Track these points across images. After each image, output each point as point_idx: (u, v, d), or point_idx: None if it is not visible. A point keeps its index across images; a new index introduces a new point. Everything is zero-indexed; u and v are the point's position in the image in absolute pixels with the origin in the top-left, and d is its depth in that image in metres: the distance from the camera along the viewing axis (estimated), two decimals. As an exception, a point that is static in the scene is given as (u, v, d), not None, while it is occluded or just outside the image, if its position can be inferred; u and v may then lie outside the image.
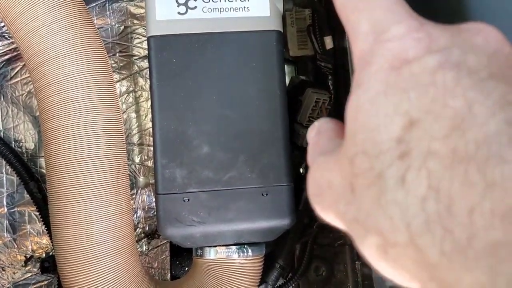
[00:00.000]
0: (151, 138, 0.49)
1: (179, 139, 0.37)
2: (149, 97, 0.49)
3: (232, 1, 0.39)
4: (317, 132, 0.22)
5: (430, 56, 0.16)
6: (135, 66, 0.50)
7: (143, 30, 0.50)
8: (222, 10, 0.39)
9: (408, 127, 0.15)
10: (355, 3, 0.19)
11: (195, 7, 0.38)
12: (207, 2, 0.39)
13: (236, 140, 0.38)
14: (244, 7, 0.39)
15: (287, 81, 0.51)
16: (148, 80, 0.50)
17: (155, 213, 0.47)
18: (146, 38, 0.50)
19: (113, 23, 0.50)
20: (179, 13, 0.38)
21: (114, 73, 0.48)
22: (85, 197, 0.35)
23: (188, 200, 0.37)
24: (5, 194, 0.48)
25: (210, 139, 0.37)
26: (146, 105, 0.49)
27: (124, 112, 0.49)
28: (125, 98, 0.49)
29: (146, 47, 0.50)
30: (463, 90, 0.15)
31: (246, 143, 0.38)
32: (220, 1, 0.39)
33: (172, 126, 0.37)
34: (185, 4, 0.38)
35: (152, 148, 0.49)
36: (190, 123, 0.38)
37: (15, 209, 0.48)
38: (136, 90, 0.49)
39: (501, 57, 0.16)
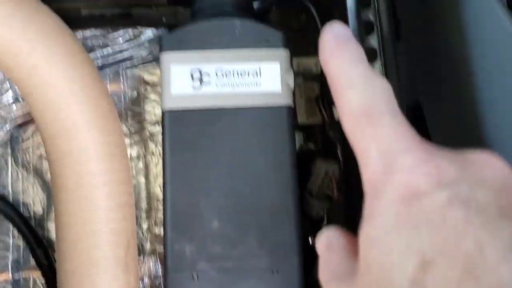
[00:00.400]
0: (160, 204, 0.49)
1: (190, 213, 0.37)
2: (159, 163, 0.50)
3: (244, 77, 0.40)
4: (328, 248, 0.22)
5: (439, 192, 0.16)
6: (147, 131, 0.50)
7: (155, 96, 0.51)
8: (235, 85, 0.40)
9: (422, 268, 0.15)
10: (362, 130, 0.19)
11: (209, 82, 0.39)
12: (220, 77, 0.39)
13: (247, 214, 0.38)
14: (256, 83, 0.40)
15: (296, 148, 0.51)
16: (159, 146, 0.50)
17: (161, 284, 0.47)
18: (158, 104, 0.51)
19: (126, 89, 0.51)
20: (193, 87, 0.39)
21: (125, 138, 0.49)
22: (95, 272, 0.35)
23: (198, 277, 0.36)
24: (10, 259, 0.47)
25: (220, 213, 0.37)
26: (156, 170, 0.50)
27: (133, 177, 0.49)
28: (135, 163, 0.50)
29: (158, 112, 0.51)
30: (473, 230, 0.15)
31: (256, 218, 0.38)
32: (233, 76, 0.40)
33: (183, 200, 0.38)
34: (200, 79, 0.39)
35: (159, 215, 0.49)
36: (201, 196, 0.38)
37: (20, 275, 0.47)
38: (147, 155, 0.50)
39: (510, 191, 0.17)
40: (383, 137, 0.19)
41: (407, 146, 0.18)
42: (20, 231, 0.46)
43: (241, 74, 0.40)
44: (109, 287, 0.35)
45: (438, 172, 0.17)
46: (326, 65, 0.23)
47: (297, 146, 0.51)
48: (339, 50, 0.23)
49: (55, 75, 0.37)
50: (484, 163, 0.17)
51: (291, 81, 0.41)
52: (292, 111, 0.40)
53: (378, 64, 0.34)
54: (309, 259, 0.47)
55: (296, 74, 0.41)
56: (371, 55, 0.34)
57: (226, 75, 0.40)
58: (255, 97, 0.40)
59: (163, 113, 0.39)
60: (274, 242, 0.37)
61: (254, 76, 0.40)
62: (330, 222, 0.44)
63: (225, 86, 0.39)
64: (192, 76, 0.39)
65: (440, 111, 0.51)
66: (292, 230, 0.38)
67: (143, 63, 0.51)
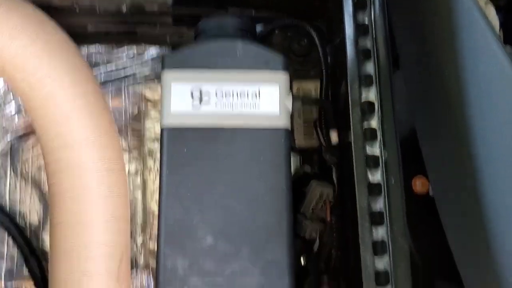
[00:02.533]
0: (155, 220, 0.49)
1: (183, 229, 0.38)
2: (157, 179, 0.50)
3: (244, 98, 0.41)
4: None
5: None
6: (146, 147, 0.51)
7: (155, 113, 0.52)
8: (234, 106, 0.40)
9: None
10: None
11: (209, 101, 0.40)
12: (220, 97, 0.40)
13: (241, 233, 0.38)
14: (255, 104, 0.41)
15: (292, 170, 0.52)
16: (157, 162, 0.51)
17: (154, 299, 0.47)
18: (158, 121, 0.52)
19: (128, 105, 0.52)
20: (193, 106, 0.40)
21: (124, 154, 0.50)
22: (85, 284, 0.35)
23: (189, 292, 0.37)
24: (3, 269, 0.48)
25: (214, 231, 0.38)
26: (153, 186, 0.50)
27: (130, 193, 0.49)
28: (133, 179, 0.50)
29: (157, 129, 0.52)
30: None
31: (250, 236, 0.38)
32: (232, 97, 0.40)
33: (177, 216, 0.38)
34: (199, 98, 0.40)
35: (154, 230, 0.49)
36: (196, 213, 0.38)
37: (13, 284, 0.47)
38: (145, 171, 0.51)
39: None
40: None
41: None
42: (15, 240, 0.46)
43: (240, 95, 0.41)
44: (100, 300, 0.36)
45: None
46: None
47: (294, 168, 0.52)
48: None
49: (59, 90, 0.38)
50: None
51: (289, 104, 0.41)
52: (289, 133, 0.41)
53: (373, 89, 0.35)
54: (300, 279, 0.47)
55: (296, 98, 0.42)
56: (367, 81, 0.35)
57: (225, 95, 0.40)
58: (253, 118, 0.40)
59: (162, 130, 0.40)
60: (266, 261, 0.37)
61: (253, 98, 0.41)
62: (322, 243, 0.45)
63: (224, 106, 0.40)
64: (192, 95, 0.40)
65: (435, 141, 0.52)
66: (284, 250, 0.38)
67: (145, 81, 0.52)
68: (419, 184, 0.61)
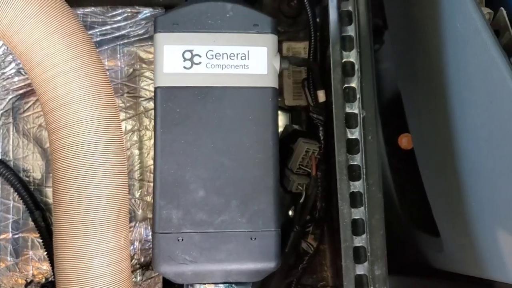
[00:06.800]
0: (152, 175, 0.52)
1: (177, 182, 0.41)
2: (152, 137, 0.53)
3: (233, 59, 0.43)
4: None
5: None
6: (141, 106, 0.53)
7: (150, 74, 0.53)
8: (224, 66, 0.42)
9: None
10: None
11: (200, 62, 0.42)
12: (210, 58, 0.42)
13: (230, 186, 0.41)
14: (244, 65, 0.43)
15: (281, 128, 0.54)
16: (152, 120, 0.53)
17: (151, 247, 0.50)
18: (152, 81, 0.54)
19: (123, 66, 0.53)
20: (184, 67, 0.42)
21: (120, 112, 0.52)
22: (88, 233, 0.39)
23: (182, 240, 0.40)
24: (11, 220, 0.51)
25: (206, 184, 0.41)
26: (149, 143, 0.53)
27: (127, 149, 0.52)
28: (130, 136, 0.53)
29: (152, 89, 0.54)
30: None
31: (239, 189, 0.41)
32: (222, 58, 0.42)
33: (171, 170, 0.41)
34: (191, 59, 0.42)
35: (151, 184, 0.52)
36: (189, 168, 0.41)
37: (19, 235, 0.51)
38: (141, 129, 0.53)
39: None
40: None
41: None
42: (19, 194, 0.49)
43: (230, 57, 0.43)
44: (100, 247, 0.39)
45: None
46: None
47: (283, 126, 0.54)
48: None
49: (56, 52, 0.39)
50: None
51: (277, 65, 0.43)
52: (276, 92, 0.43)
53: (354, 51, 0.37)
54: (287, 229, 0.50)
55: (283, 58, 0.44)
56: (349, 43, 0.37)
57: (216, 57, 0.42)
58: (242, 78, 0.42)
59: (155, 90, 0.42)
60: (254, 212, 0.41)
61: (243, 59, 0.43)
62: (308, 196, 0.48)
63: (214, 67, 0.42)
64: (183, 56, 0.42)
65: (415, 96, 0.54)
66: (271, 202, 0.41)
67: (139, 41, 0.53)
68: (405, 141, 0.63)
